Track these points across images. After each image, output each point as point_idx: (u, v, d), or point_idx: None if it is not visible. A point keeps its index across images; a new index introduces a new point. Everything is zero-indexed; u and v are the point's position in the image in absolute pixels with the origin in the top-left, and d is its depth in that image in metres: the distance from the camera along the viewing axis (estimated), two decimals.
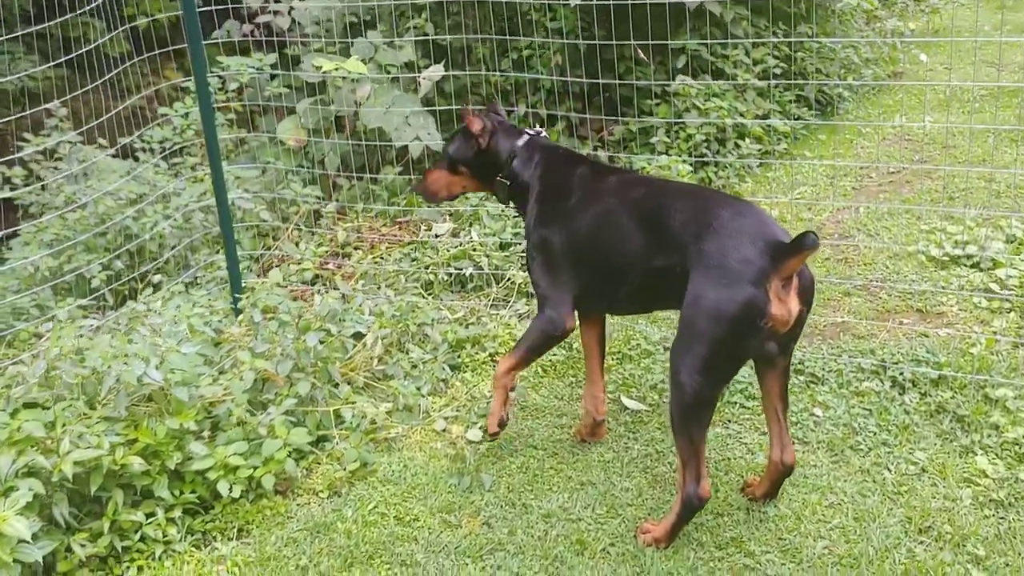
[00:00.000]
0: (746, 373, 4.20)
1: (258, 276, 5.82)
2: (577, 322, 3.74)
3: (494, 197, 4.12)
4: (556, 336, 3.66)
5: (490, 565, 3.33)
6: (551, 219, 3.67)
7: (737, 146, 6.84)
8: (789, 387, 3.49)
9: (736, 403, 4.18)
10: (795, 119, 7.56)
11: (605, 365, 4.48)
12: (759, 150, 6.91)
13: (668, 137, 6.62)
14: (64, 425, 3.39)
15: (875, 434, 3.89)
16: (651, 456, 3.88)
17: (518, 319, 4.98)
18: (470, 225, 6.01)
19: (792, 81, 7.50)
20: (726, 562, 3.27)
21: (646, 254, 3.35)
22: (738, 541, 3.36)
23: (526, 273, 4.66)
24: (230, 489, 3.59)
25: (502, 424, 3.80)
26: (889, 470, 3.69)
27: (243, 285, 5.18)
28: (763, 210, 3.32)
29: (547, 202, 3.72)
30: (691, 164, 6.33)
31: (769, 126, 7.08)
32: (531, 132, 3.92)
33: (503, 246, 5.61)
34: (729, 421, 4.08)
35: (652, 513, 3.53)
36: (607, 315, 3.95)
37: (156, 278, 5.65)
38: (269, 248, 6.05)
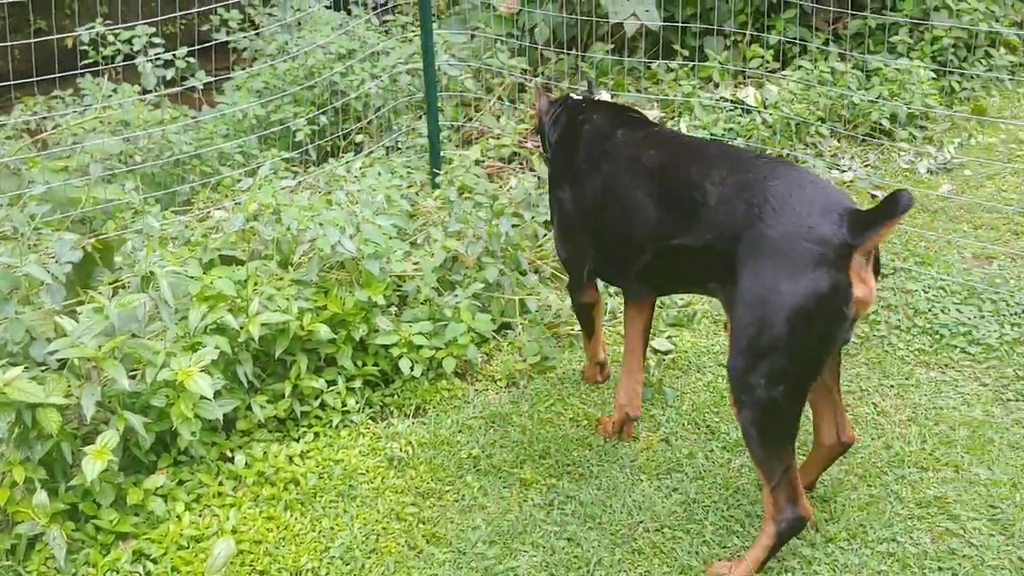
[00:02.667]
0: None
1: (457, 147, 5.70)
2: (599, 297, 3.45)
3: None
4: (578, 310, 3.48)
5: (666, 485, 3.16)
6: (561, 180, 3.29)
7: (988, 55, 6.14)
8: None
9: (956, 347, 3.79)
10: None
11: None
12: (1012, 62, 6.18)
13: (911, 37, 5.99)
14: (256, 285, 3.38)
15: None
16: (854, 394, 3.57)
17: None
18: (679, 115, 5.66)
19: None
20: (926, 522, 2.98)
21: (668, 231, 2.80)
22: (942, 501, 3.05)
23: None
24: (412, 367, 3.53)
25: (597, 381, 3.67)
26: None
27: (442, 155, 5.06)
28: (817, 175, 2.77)
29: (558, 162, 3.36)
30: (934, 71, 5.72)
31: None
32: (575, 96, 3.55)
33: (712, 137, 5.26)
34: (946, 366, 3.71)
35: (848, 456, 3.23)
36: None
37: (359, 138, 5.61)
38: (471, 119, 5.90)
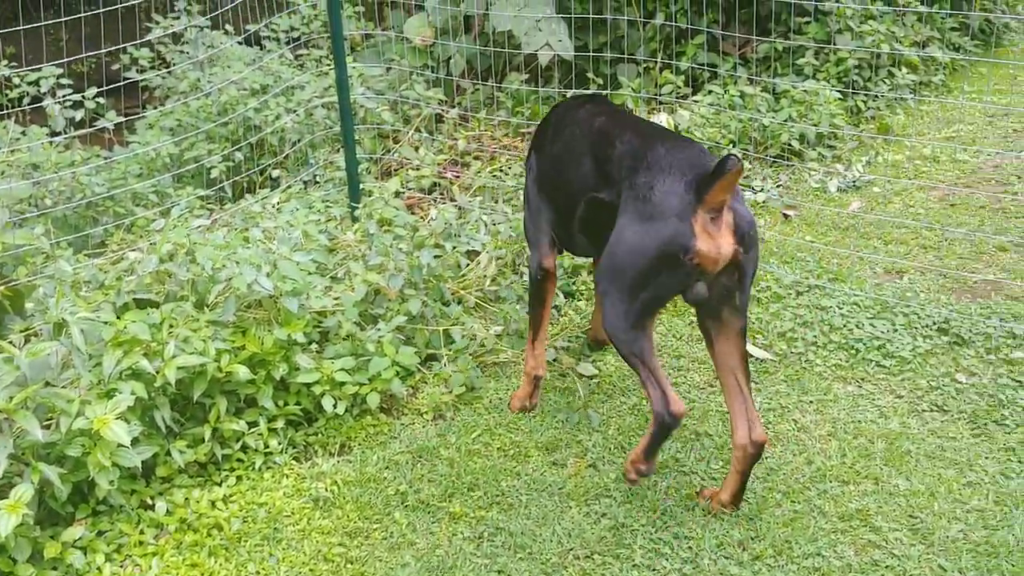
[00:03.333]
0: (866, 325, 3.90)
1: (376, 179, 5.68)
2: (555, 265, 3.62)
3: None
4: (538, 280, 3.57)
5: (595, 511, 3.17)
6: (533, 152, 3.67)
7: (891, 75, 6.34)
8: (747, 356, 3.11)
9: (871, 361, 3.88)
10: (955, 49, 6.99)
11: None
12: (914, 81, 6.39)
13: (816, 60, 6.16)
14: (171, 327, 3.32)
15: None
16: (774, 411, 3.63)
17: None
18: None
19: (959, 12, 6.89)
20: (849, 535, 3.04)
21: (592, 184, 3.24)
22: (864, 514, 3.11)
23: None
24: (335, 405, 3.50)
25: (525, 409, 3.69)
26: None
27: (361, 188, 5.04)
28: (704, 147, 3.14)
29: (531, 147, 3.71)
30: (840, 91, 5.88)
31: (928, 55, 6.55)
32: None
33: None
34: (863, 380, 3.80)
35: (771, 474, 3.31)
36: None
37: (275, 173, 5.57)
38: (389, 151, 5.90)
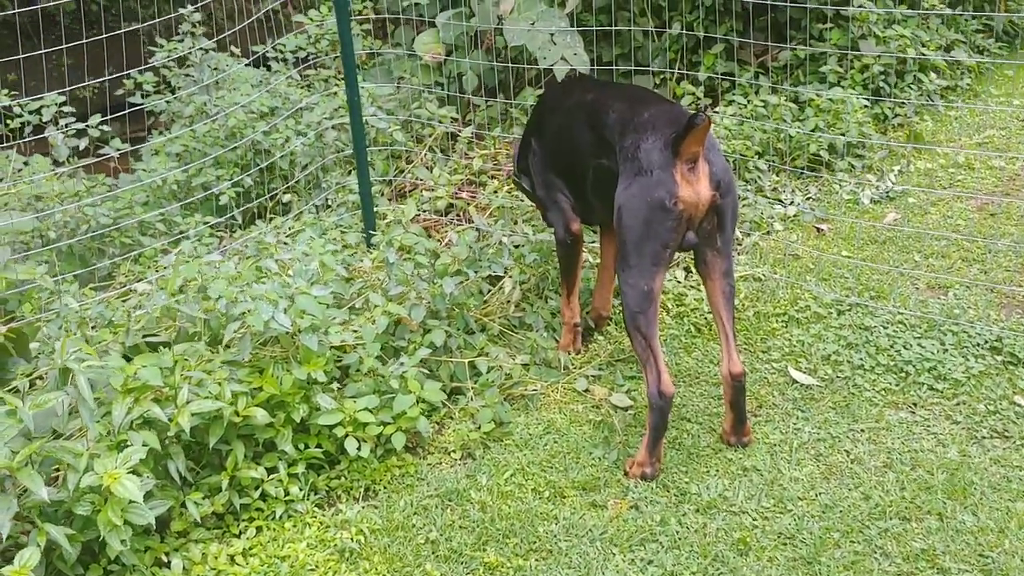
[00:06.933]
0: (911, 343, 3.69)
1: (390, 201, 5.50)
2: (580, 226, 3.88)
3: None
4: (568, 244, 3.84)
5: (640, 558, 2.96)
6: (530, 134, 3.98)
7: (918, 80, 6.13)
8: (734, 295, 3.36)
9: (923, 384, 3.67)
10: (980, 52, 6.79)
11: (770, 328, 4.05)
12: (941, 87, 6.19)
13: (840, 67, 5.96)
14: (184, 370, 3.12)
15: None
16: (825, 442, 3.42)
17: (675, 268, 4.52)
18: None
19: (983, 13, 6.69)
20: None
21: (595, 152, 3.50)
22: (930, 554, 2.90)
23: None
24: (358, 447, 3.29)
25: (575, 351, 4.01)
26: None
27: (375, 211, 4.86)
28: (687, 109, 3.57)
29: (528, 134, 4.01)
30: (867, 99, 5.68)
31: (954, 59, 6.35)
32: None
33: None
34: (915, 405, 3.58)
35: (827, 511, 3.10)
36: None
37: (286, 198, 5.39)
38: (402, 171, 5.71)
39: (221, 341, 3.38)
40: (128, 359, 3.41)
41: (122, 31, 4.85)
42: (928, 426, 3.47)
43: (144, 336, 3.55)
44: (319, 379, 3.29)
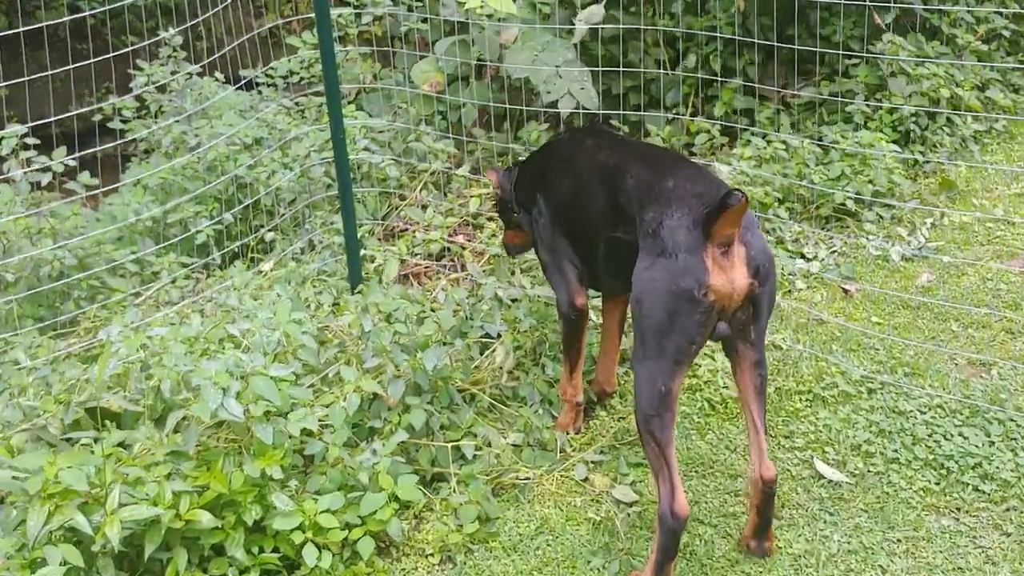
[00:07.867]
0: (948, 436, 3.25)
1: (380, 240, 5.09)
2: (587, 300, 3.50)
3: None
4: (572, 318, 3.43)
5: None
6: (534, 179, 3.60)
7: (950, 122, 5.70)
8: (765, 386, 2.92)
9: (967, 484, 3.23)
10: (1015, 91, 6.37)
11: (793, 408, 3.62)
12: (976, 131, 5.76)
13: (867, 106, 5.53)
14: (117, 463, 2.70)
15: None
16: (856, 553, 2.98)
17: None
18: None
19: (1020, 51, 6.27)
20: None
21: (610, 223, 3.09)
22: None
23: None
24: (319, 556, 2.86)
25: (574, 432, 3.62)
26: None
27: (363, 254, 4.44)
28: (717, 176, 3.08)
29: (526, 185, 3.65)
30: (897, 144, 5.25)
31: (988, 98, 5.93)
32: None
33: None
34: (959, 510, 3.14)
35: None
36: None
37: (269, 236, 4.98)
38: (396, 208, 5.30)
39: (166, 429, 2.96)
40: (69, 440, 3.02)
41: (91, 61, 4.46)
42: (975, 537, 3.03)
43: (87, 408, 3.14)
44: (275, 475, 2.86)
